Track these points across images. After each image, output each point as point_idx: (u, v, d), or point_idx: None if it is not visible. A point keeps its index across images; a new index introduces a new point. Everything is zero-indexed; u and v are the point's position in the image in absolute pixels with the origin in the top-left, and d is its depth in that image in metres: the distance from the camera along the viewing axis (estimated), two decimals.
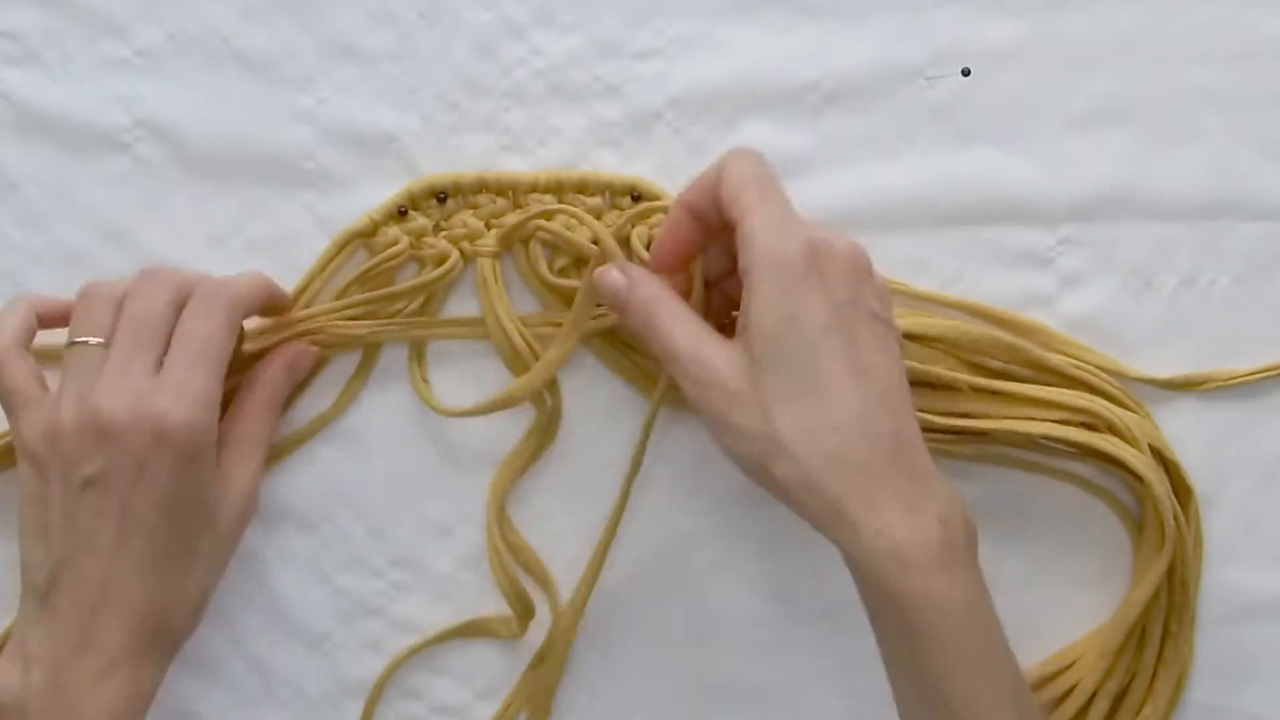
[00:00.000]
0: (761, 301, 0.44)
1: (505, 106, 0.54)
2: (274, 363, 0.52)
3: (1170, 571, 0.53)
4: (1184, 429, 0.54)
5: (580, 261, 0.53)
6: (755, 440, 0.44)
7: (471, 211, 0.54)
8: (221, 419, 0.49)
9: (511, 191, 0.54)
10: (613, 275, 0.49)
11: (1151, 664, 0.54)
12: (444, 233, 0.54)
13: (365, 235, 0.53)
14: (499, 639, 0.54)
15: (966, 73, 0.54)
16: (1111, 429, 0.53)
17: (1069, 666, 0.54)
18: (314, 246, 0.54)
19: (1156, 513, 0.53)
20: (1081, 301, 0.55)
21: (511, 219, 0.53)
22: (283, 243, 0.54)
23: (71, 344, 0.48)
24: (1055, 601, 0.55)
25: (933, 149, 0.54)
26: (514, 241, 0.53)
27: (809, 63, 0.54)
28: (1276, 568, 0.55)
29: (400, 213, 0.53)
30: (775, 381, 0.44)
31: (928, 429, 0.51)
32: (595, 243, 0.51)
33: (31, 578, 0.47)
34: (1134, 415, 0.53)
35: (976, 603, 0.43)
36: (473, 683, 0.55)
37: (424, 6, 0.54)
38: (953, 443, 0.53)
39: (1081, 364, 0.53)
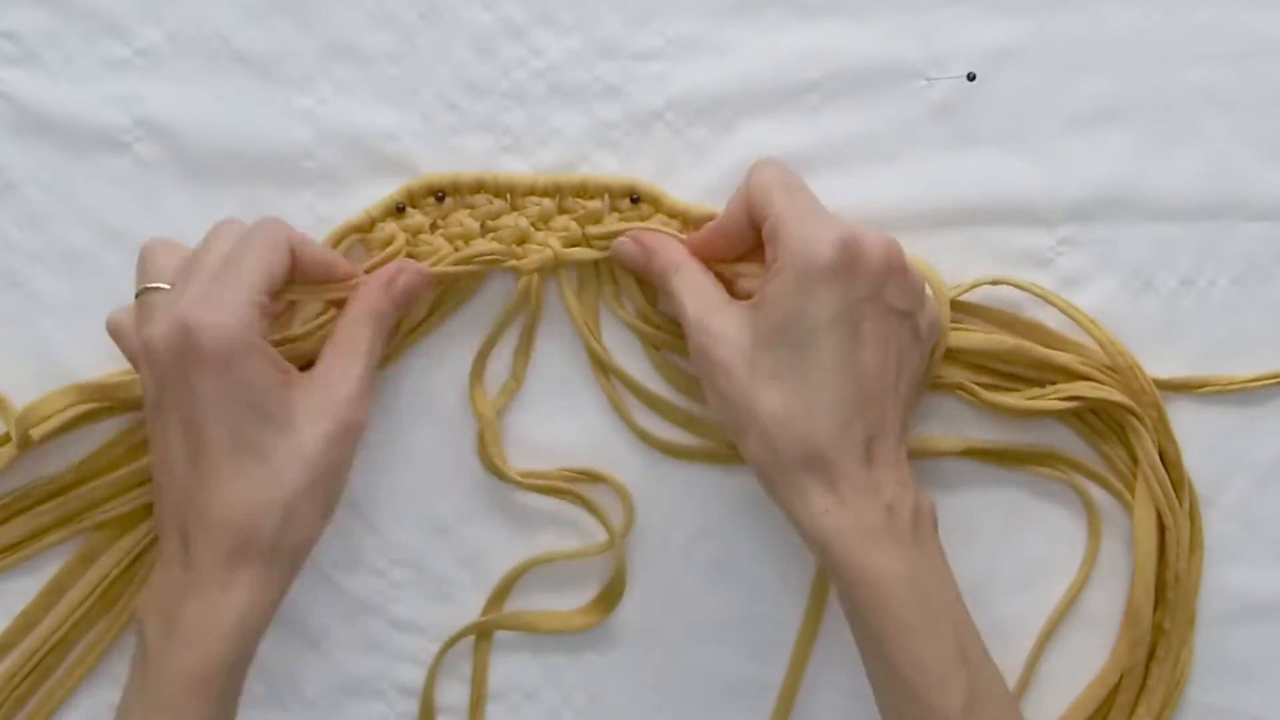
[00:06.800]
0: (781, 287, 0.47)
1: (505, 107, 0.54)
2: (371, 278, 0.51)
3: (1163, 568, 0.53)
4: (1184, 429, 0.54)
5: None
6: (735, 411, 0.48)
7: (468, 211, 0.54)
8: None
9: (509, 193, 0.54)
10: (628, 247, 0.52)
11: (1144, 662, 0.54)
12: (440, 231, 0.54)
13: (362, 230, 0.53)
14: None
15: (972, 78, 0.54)
16: (1105, 420, 0.53)
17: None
18: None
19: (1152, 508, 0.53)
20: (1081, 302, 0.55)
21: (508, 220, 0.53)
22: None
23: (141, 291, 0.48)
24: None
25: (933, 150, 0.54)
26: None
27: (809, 63, 0.54)
28: (1276, 568, 0.55)
29: (398, 210, 0.53)
30: (769, 362, 0.47)
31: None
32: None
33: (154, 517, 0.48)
34: (1139, 411, 0.53)
35: (919, 577, 0.46)
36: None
37: (424, 7, 0.54)
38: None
39: (1086, 362, 0.54)
